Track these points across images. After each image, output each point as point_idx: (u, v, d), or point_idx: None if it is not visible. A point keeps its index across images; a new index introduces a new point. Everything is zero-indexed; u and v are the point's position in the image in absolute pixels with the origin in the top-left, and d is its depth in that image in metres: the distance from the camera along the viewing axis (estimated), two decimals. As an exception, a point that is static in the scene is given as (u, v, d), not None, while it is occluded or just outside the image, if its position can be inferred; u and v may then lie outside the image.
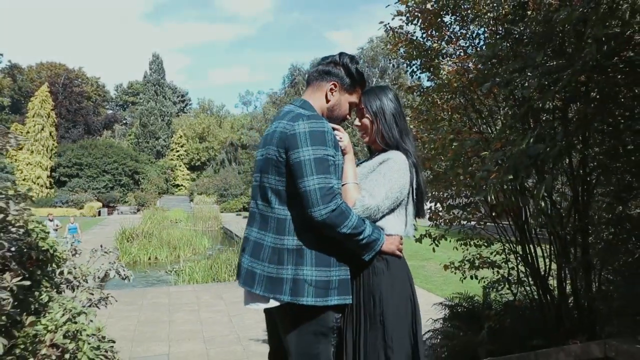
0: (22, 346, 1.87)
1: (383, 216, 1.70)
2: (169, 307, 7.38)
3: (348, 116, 1.83)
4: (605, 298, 3.48)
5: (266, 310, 1.73)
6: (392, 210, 1.72)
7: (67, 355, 2.00)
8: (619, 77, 2.11)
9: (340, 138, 1.68)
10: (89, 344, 2.11)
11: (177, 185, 45.92)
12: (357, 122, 1.86)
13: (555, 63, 2.11)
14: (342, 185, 1.64)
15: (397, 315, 1.64)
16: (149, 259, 14.63)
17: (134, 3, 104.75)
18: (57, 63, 49.82)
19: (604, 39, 1.75)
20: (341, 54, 1.78)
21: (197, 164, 48.75)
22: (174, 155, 47.38)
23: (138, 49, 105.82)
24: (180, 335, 5.86)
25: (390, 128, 1.77)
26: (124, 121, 58.38)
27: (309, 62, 50.93)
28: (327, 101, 1.75)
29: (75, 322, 2.02)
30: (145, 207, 32.72)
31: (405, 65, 4.10)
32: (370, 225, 1.62)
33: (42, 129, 35.55)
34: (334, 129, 1.69)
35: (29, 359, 1.81)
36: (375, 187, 1.66)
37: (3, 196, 1.66)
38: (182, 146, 48.11)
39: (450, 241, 4.10)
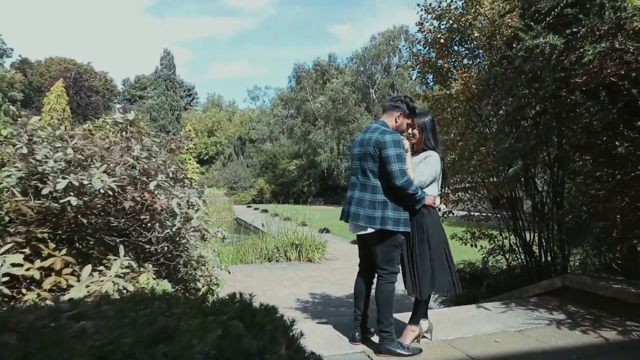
0: (191, 270, 3.02)
1: (427, 186, 2.97)
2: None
3: (405, 131, 3.10)
4: (582, 267, 4.54)
5: (360, 237, 3.00)
6: (431, 183, 3.02)
7: (213, 280, 3.17)
8: (569, 100, 3.22)
9: (404, 144, 2.90)
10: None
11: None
12: (409, 130, 3.11)
13: (528, 91, 3.23)
14: (406, 169, 2.86)
15: (436, 237, 2.93)
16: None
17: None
18: (66, 58, 50.56)
19: (552, 80, 2.86)
20: (405, 97, 3.06)
21: (205, 158, 49.82)
22: (184, 149, 48.31)
23: (141, 42, 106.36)
24: (223, 303, 6.92)
25: (429, 137, 3.06)
26: (132, 115, 59.03)
27: (311, 59, 52.23)
28: (395, 122, 3.00)
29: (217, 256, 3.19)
30: (158, 199, 33.61)
31: (419, 73, 5.25)
32: (420, 190, 2.87)
33: (60, 124, 36.58)
34: None
35: (198, 279, 2.97)
36: (424, 171, 2.98)
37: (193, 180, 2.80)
38: (191, 140, 49.09)
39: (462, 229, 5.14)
